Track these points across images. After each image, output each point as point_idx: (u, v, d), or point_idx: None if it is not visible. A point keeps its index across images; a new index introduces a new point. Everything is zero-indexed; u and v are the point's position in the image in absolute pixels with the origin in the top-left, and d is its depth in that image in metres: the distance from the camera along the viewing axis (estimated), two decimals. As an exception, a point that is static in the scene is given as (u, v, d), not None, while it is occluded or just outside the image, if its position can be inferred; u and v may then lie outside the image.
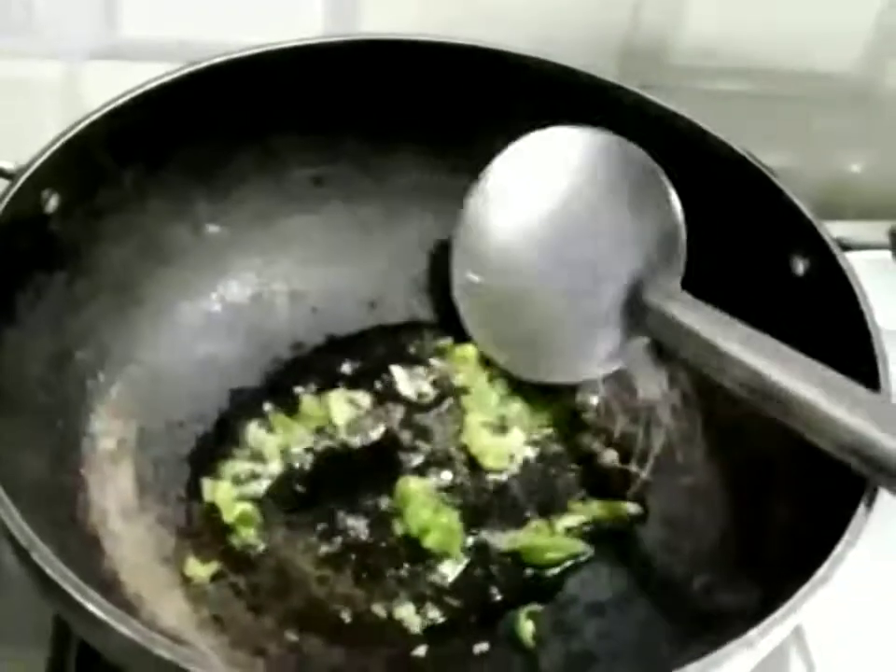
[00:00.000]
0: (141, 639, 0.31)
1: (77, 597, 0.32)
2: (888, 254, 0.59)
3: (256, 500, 0.47)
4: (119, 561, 0.42)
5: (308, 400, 0.51)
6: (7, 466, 0.37)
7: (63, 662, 0.44)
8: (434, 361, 0.53)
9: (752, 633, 0.35)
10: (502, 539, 0.47)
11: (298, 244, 0.54)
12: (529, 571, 0.46)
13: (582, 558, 0.46)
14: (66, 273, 0.46)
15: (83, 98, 0.59)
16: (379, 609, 0.44)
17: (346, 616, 0.44)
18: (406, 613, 0.44)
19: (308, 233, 0.54)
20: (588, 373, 0.50)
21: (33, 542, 0.33)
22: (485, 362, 0.53)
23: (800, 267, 0.47)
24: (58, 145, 0.45)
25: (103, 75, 0.60)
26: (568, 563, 0.46)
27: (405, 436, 0.50)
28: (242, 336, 0.52)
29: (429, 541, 0.46)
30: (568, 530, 0.47)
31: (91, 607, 0.32)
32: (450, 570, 0.46)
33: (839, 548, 0.37)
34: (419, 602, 0.44)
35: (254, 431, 0.49)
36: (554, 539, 0.47)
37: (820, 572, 0.36)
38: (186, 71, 0.49)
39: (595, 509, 0.48)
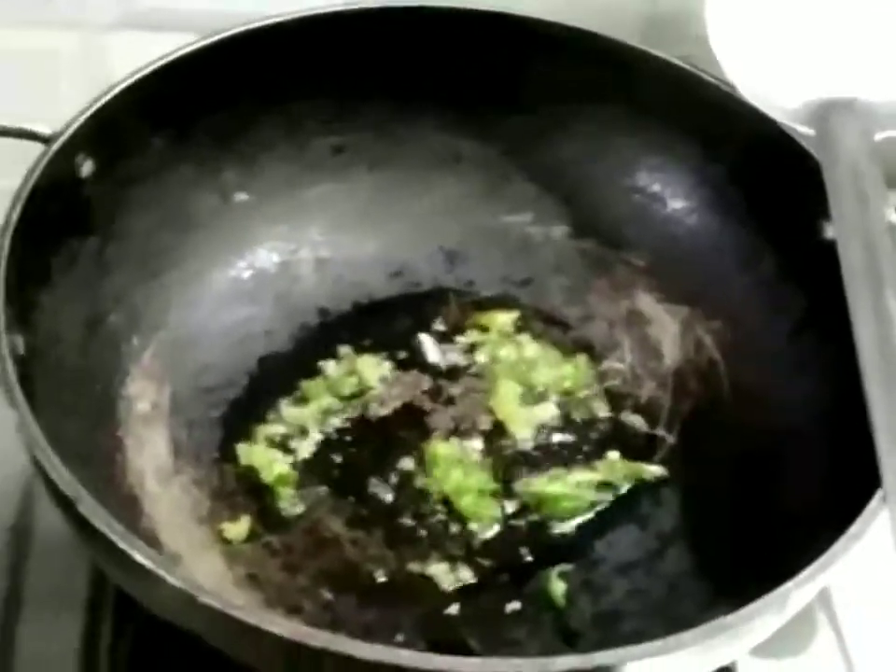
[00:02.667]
0: (187, 587, 0.32)
1: (124, 546, 0.32)
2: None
3: (289, 463, 0.47)
4: (157, 521, 0.43)
5: (336, 368, 0.51)
6: (47, 426, 0.38)
7: (98, 627, 0.45)
8: (461, 329, 0.53)
9: (788, 585, 0.35)
10: (519, 485, 0.47)
11: (323, 212, 0.55)
12: (558, 532, 0.46)
13: (596, 510, 0.47)
14: (98, 239, 0.47)
15: (105, 68, 0.59)
16: (411, 569, 0.45)
17: (379, 576, 0.44)
18: (438, 573, 0.45)
19: (333, 201, 0.55)
20: None
21: (79, 494, 0.34)
22: (512, 329, 0.53)
23: (829, 231, 0.47)
24: (92, 110, 0.45)
25: (124, 45, 0.60)
26: (587, 515, 0.47)
27: (433, 402, 0.50)
28: (270, 303, 0.53)
29: (462, 504, 0.47)
30: (588, 484, 0.47)
31: (138, 556, 0.32)
32: (480, 532, 0.46)
33: (873, 503, 0.37)
34: (451, 562, 0.45)
35: (285, 399, 0.49)
36: (568, 488, 0.47)
37: (854, 528, 0.37)
38: (212, 40, 0.50)
39: (620, 470, 0.48)
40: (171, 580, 0.32)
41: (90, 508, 0.33)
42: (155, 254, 0.50)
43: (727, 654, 0.38)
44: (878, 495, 0.37)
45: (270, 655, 0.33)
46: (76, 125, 0.44)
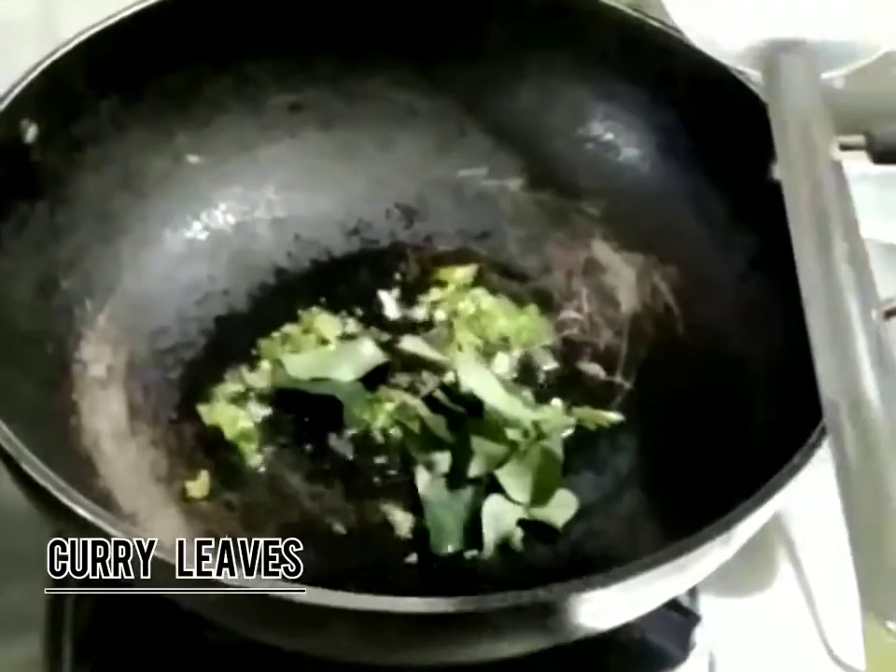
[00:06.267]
0: (127, 539, 0.32)
1: (66, 501, 0.33)
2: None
3: (250, 420, 0.47)
4: (114, 481, 0.43)
5: (295, 327, 0.51)
6: (-1, 388, 0.38)
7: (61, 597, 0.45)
8: (420, 284, 0.53)
9: (728, 517, 0.35)
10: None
11: (278, 171, 0.54)
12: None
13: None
14: (49, 203, 0.47)
15: (59, 35, 0.59)
16: (370, 521, 0.45)
17: (339, 528, 0.45)
18: (396, 522, 0.45)
19: (288, 160, 0.55)
20: None
21: (20, 451, 0.34)
22: (471, 283, 0.53)
23: (777, 172, 0.47)
24: (34, 74, 0.45)
25: (77, 10, 0.59)
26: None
27: (392, 358, 0.50)
28: (226, 263, 0.53)
29: (419, 457, 0.47)
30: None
31: (80, 510, 0.33)
32: (440, 483, 0.47)
33: (813, 437, 0.37)
34: (409, 513, 0.45)
35: (243, 358, 0.49)
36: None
37: (794, 460, 0.37)
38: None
39: (578, 416, 0.49)
40: (112, 531, 0.32)
41: (31, 464, 0.34)
42: (108, 217, 0.50)
43: (676, 586, 0.38)
44: (819, 428, 0.38)
45: (212, 604, 0.33)
46: (17, 90, 0.44)
